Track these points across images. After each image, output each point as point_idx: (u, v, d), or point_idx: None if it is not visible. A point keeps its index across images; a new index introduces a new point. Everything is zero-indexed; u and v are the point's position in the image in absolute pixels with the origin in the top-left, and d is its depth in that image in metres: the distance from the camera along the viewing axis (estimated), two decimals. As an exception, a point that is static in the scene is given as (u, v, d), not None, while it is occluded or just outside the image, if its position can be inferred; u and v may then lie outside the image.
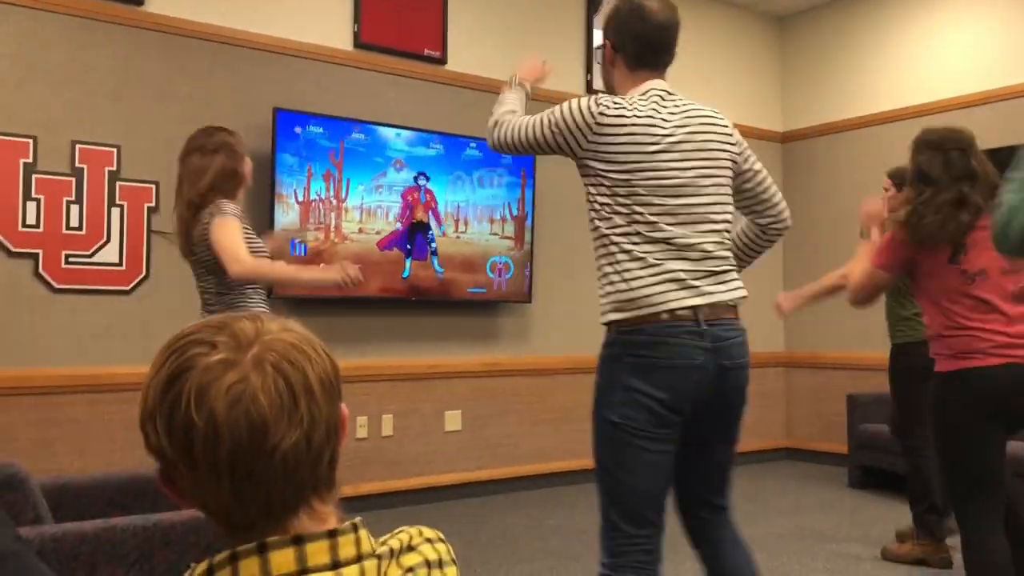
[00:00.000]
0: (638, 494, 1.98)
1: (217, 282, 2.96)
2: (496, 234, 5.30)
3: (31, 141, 3.99)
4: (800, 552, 3.99)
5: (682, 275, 1.97)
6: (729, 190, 2.11)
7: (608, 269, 2.02)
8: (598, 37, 5.83)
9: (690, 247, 1.99)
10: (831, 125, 6.52)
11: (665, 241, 1.98)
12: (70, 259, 4.06)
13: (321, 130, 4.62)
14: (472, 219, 5.20)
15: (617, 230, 2.00)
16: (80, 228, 4.09)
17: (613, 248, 2.01)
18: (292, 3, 4.74)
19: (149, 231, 4.27)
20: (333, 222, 4.68)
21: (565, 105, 2.07)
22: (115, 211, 4.19)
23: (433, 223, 5.03)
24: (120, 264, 4.19)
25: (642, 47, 2.11)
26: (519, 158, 5.29)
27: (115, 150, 4.19)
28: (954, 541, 3.40)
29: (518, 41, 5.54)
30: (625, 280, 1.98)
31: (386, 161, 4.86)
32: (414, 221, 4.96)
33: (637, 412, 1.94)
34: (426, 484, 5.00)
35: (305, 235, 4.58)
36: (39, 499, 1.81)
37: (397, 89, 5.03)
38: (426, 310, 5.13)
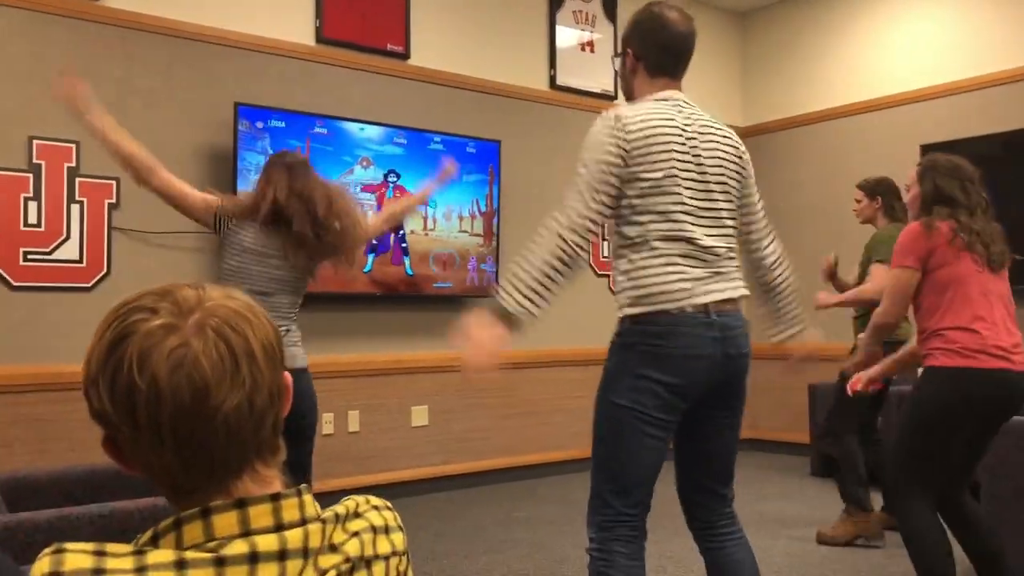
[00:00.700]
0: (635, 475, 2.07)
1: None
2: (466, 231, 5.31)
3: (-13, 137, 3.95)
4: (761, 538, 4.04)
5: (699, 274, 2.06)
6: (737, 196, 2.20)
7: (628, 266, 2.08)
8: (572, 36, 5.92)
9: (707, 248, 2.08)
10: (792, 119, 6.60)
11: (687, 240, 2.06)
12: (28, 256, 4.01)
13: (283, 125, 4.60)
14: (440, 216, 5.21)
15: (641, 230, 2.06)
16: (39, 225, 4.04)
17: (637, 245, 2.07)
18: (253, -2, 4.72)
19: (110, 228, 4.23)
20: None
21: (586, 154, 2.04)
22: (75, 208, 4.14)
23: (407, 220, 5.03)
24: (80, 261, 4.15)
25: (663, 55, 2.18)
26: (485, 153, 5.31)
27: (74, 146, 4.14)
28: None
29: (481, 36, 5.55)
30: (646, 275, 2.05)
31: (353, 159, 4.85)
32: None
33: (646, 398, 2.02)
34: (393, 479, 5.00)
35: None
36: (-6, 491, 1.79)
37: (360, 84, 5.03)
38: (392, 305, 5.13)
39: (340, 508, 0.88)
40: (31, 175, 4.03)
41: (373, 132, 4.92)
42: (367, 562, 0.86)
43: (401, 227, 5.01)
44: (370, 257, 4.89)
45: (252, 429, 0.81)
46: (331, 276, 4.71)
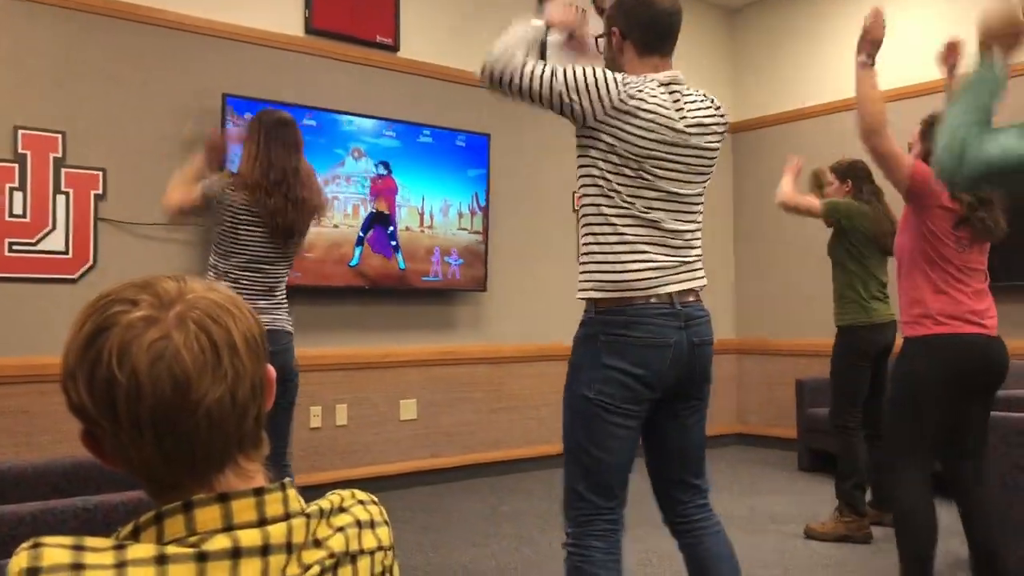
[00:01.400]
0: (607, 467, 2.05)
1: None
2: (465, 229, 5.30)
3: (-29, 126, 3.91)
4: (751, 533, 4.05)
5: (665, 262, 2.05)
6: (709, 180, 2.19)
7: (595, 248, 2.07)
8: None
9: (674, 234, 2.07)
10: (781, 115, 6.61)
11: (655, 226, 2.05)
12: (14, 247, 3.98)
13: (272, 117, 4.56)
14: (438, 212, 5.20)
15: (614, 209, 2.04)
16: (24, 215, 4.01)
17: (606, 228, 2.05)
18: (242, -12, 4.69)
19: (96, 219, 4.20)
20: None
21: (588, 69, 2.04)
22: (60, 198, 4.11)
23: (398, 214, 5.01)
24: (66, 252, 4.12)
25: (649, 33, 2.15)
26: (475, 147, 5.29)
27: (60, 136, 4.11)
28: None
29: (471, 28, 5.53)
30: (611, 262, 2.04)
31: (344, 150, 4.83)
32: (374, 211, 4.94)
33: (612, 388, 2.01)
34: (381, 473, 4.99)
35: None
36: (-24, 484, 1.77)
37: (349, 76, 5.00)
38: (381, 299, 5.11)
39: (325, 503, 0.87)
40: (16, 165, 4.00)
41: (362, 125, 4.90)
42: (352, 557, 0.85)
43: (393, 222, 4.99)
44: (357, 251, 4.88)
45: (235, 422, 0.80)
46: (320, 270, 4.71)
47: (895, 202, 3.45)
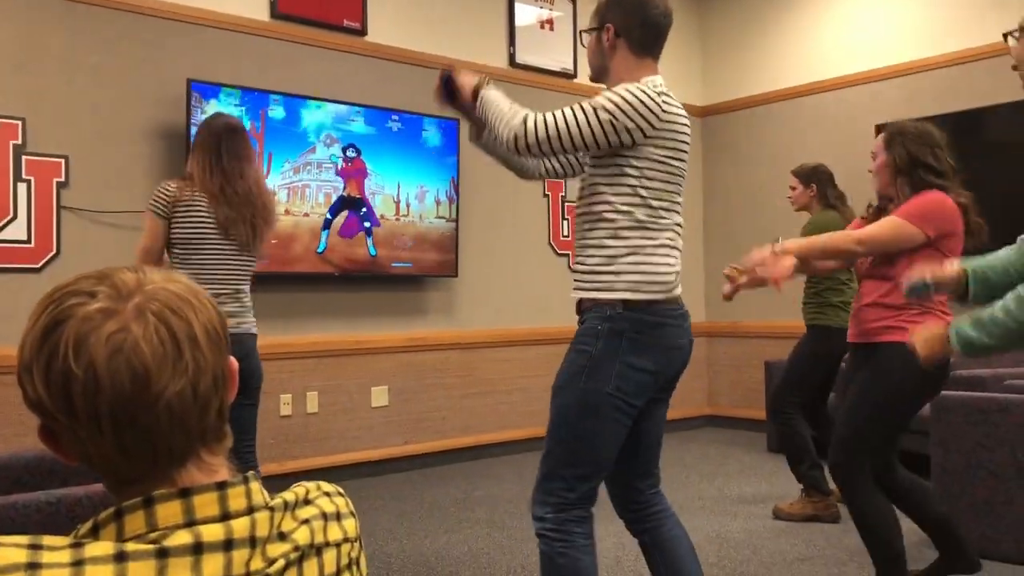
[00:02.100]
0: (601, 460, 2.10)
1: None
2: (443, 217, 5.28)
3: (-72, 113, 3.82)
4: (720, 515, 4.09)
5: (678, 265, 2.13)
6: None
7: (623, 250, 2.06)
8: (531, 14, 5.87)
9: (678, 237, 2.15)
10: (750, 99, 6.64)
11: (675, 230, 2.12)
12: (-26, 236, 3.91)
13: (237, 102, 4.51)
14: (414, 200, 5.17)
15: (649, 214, 2.07)
16: (-16, 204, 3.93)
17: (639, 231, 2.06)
18: (205, -29, 4.61)
19: (59, 207, 4.12)
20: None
21: (617, 96, 2.00)
22: (21, 186, 4.03)
23: (370, 201, 4.97)
24: (28, 241, 4.05)
25: (647, 34, 2.14)
26: (445, 126, 5.26)
27: (20, 123, 4.03)
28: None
29: (439, 13, 5.49)
30: (648, 263, 2.06)
31: (312, 137, 4.78)
32: (345, 195, 4.90)
33: (629, 385, 2.05)
34: (353, 460, 4.98)
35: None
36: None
37: (316, 61, 4.94)
38: (352, 285, 5.08)
39: (289, 495, 0.86)
40: (-25, 153, 3.92)
41: (330, 109, 4.85)
42: (317, 550, 0.84)
43: (365, 206, 4.96)
44: (323, 235, 4.83)
45: (197, 416, 0.79)
46: (289, 256, 4.67)
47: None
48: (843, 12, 6.12)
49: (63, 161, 4.13)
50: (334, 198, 4.86)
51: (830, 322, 4.03)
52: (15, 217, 4.01)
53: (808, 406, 4.15)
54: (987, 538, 3.24)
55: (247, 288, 3.13)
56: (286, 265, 4.69)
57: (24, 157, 4.04)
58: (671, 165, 2.07)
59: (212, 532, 0.76)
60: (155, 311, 0.77)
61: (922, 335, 2.03)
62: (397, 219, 5.11)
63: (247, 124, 4.51)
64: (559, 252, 5.99)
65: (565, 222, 6.00)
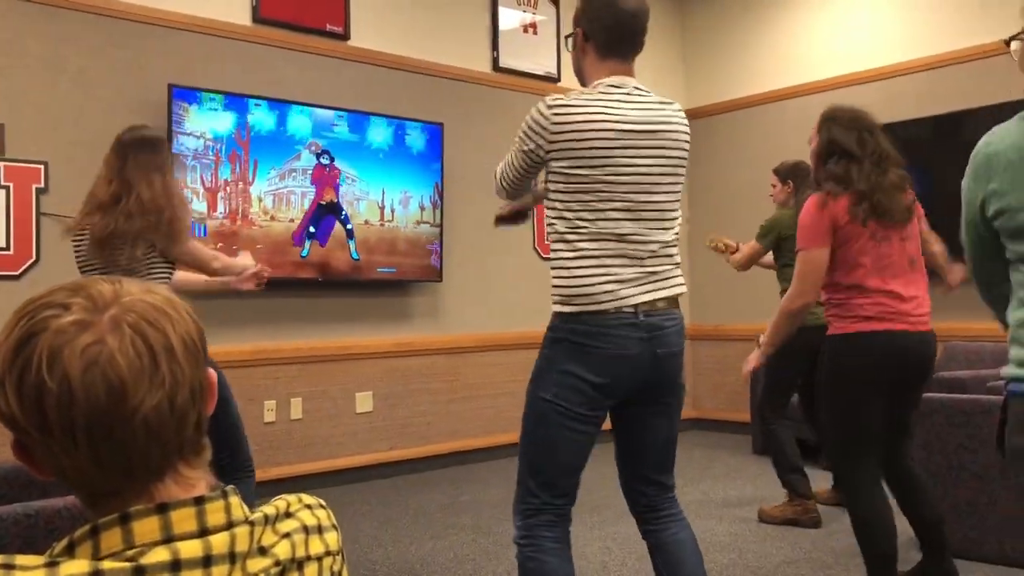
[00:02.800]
0: (559, 467, 2.08)
1: None
2: (427, 222, 5.27)
3: (-96, 119, 3.77)
4: (705, 517, 4.09)
5: (628, 275, 2.03)
6: (682, 187, 2.16)
7: (559, 262, 2.07)
8: (514, 18, 5.87)
9: (642, 244, 2.04)
10: (732, 102, 6.66)
11: (619, 239, 2.03)
12: (-48, 244, 3.86)
13: (219, 108, 4.48)
14: (398, 205, 5.15)
15: (570, 228, 2.04)
16: (-38, 211, 3.89)
17: (562, 245, 2.06)
18: (186, -24, 4.58)
19: (38, 213, 4.08)
20: (240, 207, 4.56)
21: (523, 123, 2.09)
22: (0, 193, 3.99)
23: (345, 206, 4.95)
24: (7, 248, 4.01)
25: (612, 36, 2.12)
26: (429, 130, 5.25)
27: (-2, 129, 3.99)
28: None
29: (422, 17, 5.48)
30: (572, 276, 2.04)
31: (294, 142, 4.75)
32: (323, 202, 4.87)
33: (570, 394, 2.03)
34: (337, 466, 4.95)
35: (205, 222, 4.45)
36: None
37: (298, 66, 4.92)
38: (335, 291, 5.05)
39: (270, 509, 0.85)
40: (-47, 159, 3.88)
41: (312, 115, 4.83)
42: (299, 564, 0.83)
43: (344, 211, 4.94)
44: (307, 242, 4.81)
45: (174, 429, 0.78)
46: (272, 261, 4.64)
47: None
48: (824, 17, 6.16)
49: (42, 167, 4.10)
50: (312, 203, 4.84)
51: (808, 321, 4.03)
52: (-6, 224, 3.97)
53: (807, 406, 4.15)
54: (970, 539, 3.25)
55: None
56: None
57: (2, 163, 4.00)
58: (577, 175, 2.00)
59: (190, 549, 0.74)
60: (131, 323, 0.76)
61: None
62: (382, 224, 5.09)
63: (230, 130, 4.49)
64: (544, 257, 5.98)
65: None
